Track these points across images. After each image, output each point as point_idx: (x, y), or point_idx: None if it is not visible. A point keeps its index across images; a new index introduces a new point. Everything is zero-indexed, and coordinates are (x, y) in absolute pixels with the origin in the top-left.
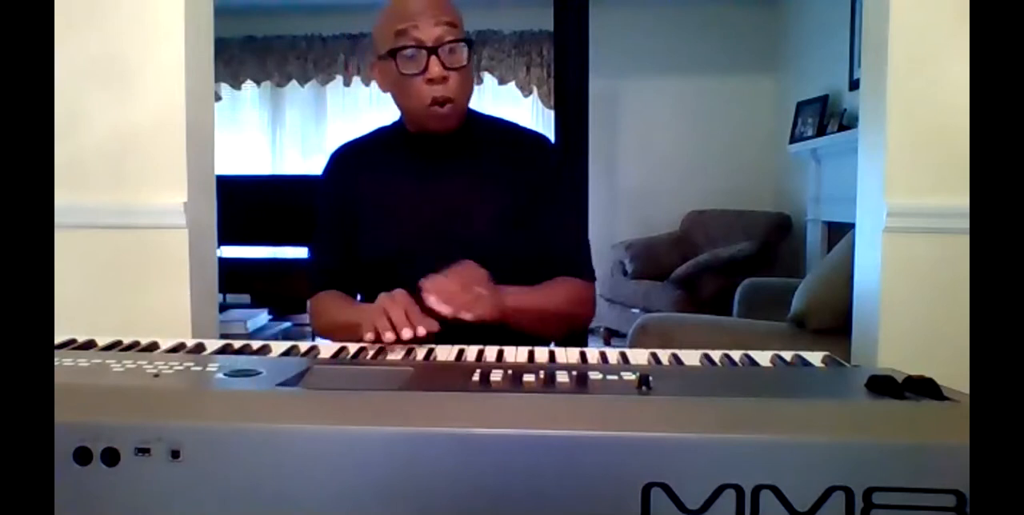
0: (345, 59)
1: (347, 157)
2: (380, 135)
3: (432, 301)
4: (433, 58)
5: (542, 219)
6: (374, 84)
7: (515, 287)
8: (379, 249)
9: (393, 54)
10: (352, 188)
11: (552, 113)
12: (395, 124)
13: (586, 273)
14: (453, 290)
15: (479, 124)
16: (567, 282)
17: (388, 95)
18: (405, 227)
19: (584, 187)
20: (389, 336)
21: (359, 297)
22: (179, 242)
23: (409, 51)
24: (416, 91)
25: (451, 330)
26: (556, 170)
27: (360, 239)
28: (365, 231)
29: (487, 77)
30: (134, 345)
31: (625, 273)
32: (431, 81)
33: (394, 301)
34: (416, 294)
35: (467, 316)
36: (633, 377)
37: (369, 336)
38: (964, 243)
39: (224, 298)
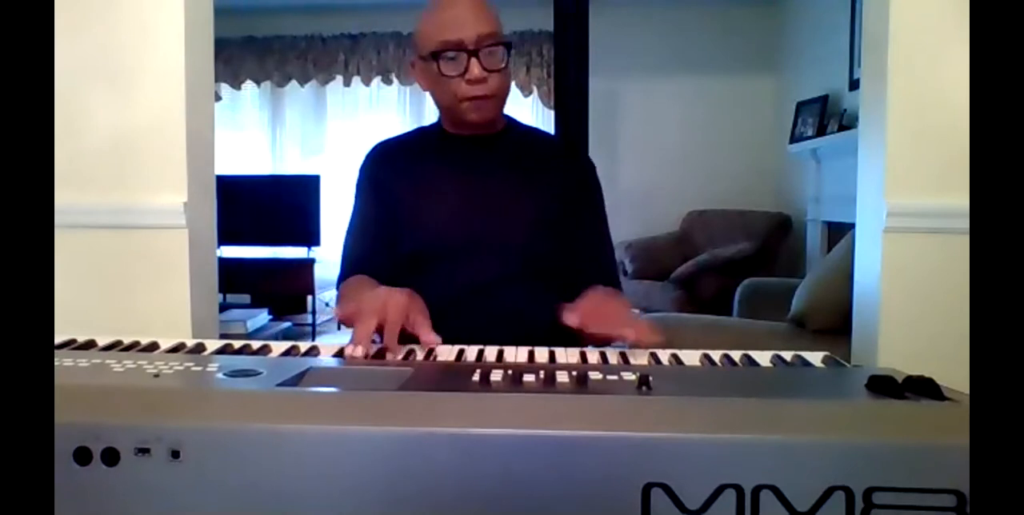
0: (345, 59)
1: (385, 153)
2: (419, 134)
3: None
4: (474, 60)
5: (578, 230)
6: (374, 84)
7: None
8: (417, 244)
9: (436, 56)
10: (390, 183)
11: (552, 113)
12: (434, 125)
13: (616, 284)
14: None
15: (518, 131)
16: (613, 292)
17: (387, 96)
18: (443, 224)
19: None
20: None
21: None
22: (179, 242)
23: (451, 53)
24: (456, 90)
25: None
26: (592, 181)
27: (398, 234)
28: (403, 226)
29: None
30: (134, 345)
31: (625, 273)
32: (471, 82)
33: (373, 313)
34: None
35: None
36: (633, 377)
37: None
38: (964, 243)
39: (224, 298)
